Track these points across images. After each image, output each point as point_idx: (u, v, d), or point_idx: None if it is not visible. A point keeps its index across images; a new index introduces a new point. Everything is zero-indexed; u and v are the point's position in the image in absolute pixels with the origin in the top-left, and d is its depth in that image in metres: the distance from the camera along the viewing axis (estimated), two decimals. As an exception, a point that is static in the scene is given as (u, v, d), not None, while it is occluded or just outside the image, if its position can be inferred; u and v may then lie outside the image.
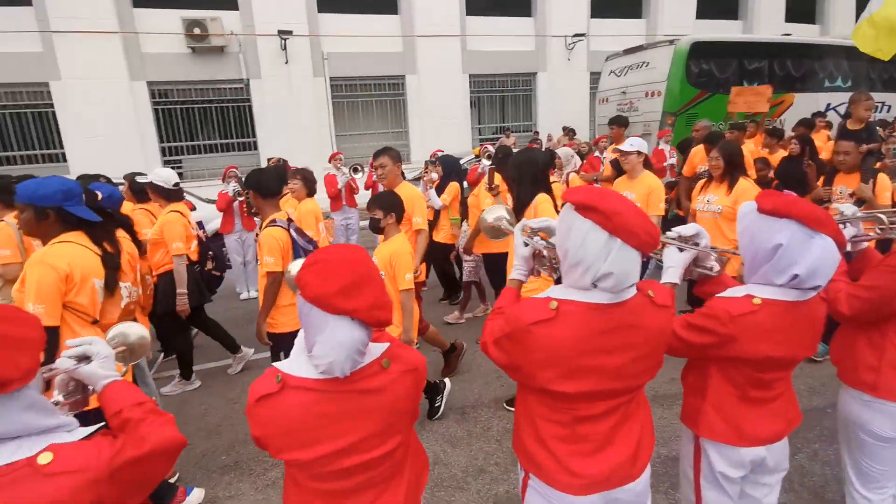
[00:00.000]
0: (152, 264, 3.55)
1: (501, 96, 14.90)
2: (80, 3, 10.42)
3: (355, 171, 6.49)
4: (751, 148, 6.09)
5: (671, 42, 9.55)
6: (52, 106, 10.82)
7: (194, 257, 3.76)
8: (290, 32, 11.63)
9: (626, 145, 3.89)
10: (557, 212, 3.27)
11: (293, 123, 12.35)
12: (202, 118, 12.29)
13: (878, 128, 5.38)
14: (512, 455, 2.64)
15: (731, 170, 3.57)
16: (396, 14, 13.12)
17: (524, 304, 1.23)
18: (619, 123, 6.35)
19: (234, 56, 11.79)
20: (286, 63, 12.12)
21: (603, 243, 1.13)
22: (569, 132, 11.42)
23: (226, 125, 12.50)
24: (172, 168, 11.87)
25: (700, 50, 9.49)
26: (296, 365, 1.12)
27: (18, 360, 0.88)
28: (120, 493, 1.00)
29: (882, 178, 3.55)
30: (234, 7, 11.66)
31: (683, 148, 6.10)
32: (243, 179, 3.11)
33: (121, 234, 2.72)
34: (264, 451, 1.13)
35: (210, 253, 3.96)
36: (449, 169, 5.33)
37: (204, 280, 3.86)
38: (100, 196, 2.72)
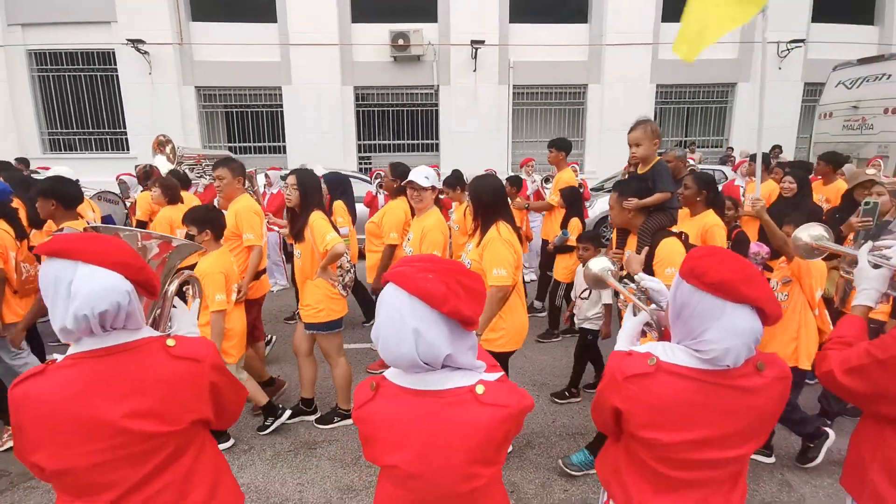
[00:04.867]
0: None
1: (689, 108, 13.88)
2: (313, 19, 12.20)
3: (546, 180, 6.57)
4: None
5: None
6: (281, 106, 12.85)
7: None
8: (482, 42, 12.22)
9: (420, 178, 3.17)
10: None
11: (474, 128, 12.97)
12: (394, 120, 13.55)
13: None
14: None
15: (482, 213, 2.79)
16: (585, 23, 13.00)
17: None
18: (559, 147, 5.17)
19: (429, 64, 12.76)
20: (474, 71, 12.76)
21: None
22: (775, 150, 10.25)
23: (413, 127, 13.60)
24: (362, 164, 13.20)
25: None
26: (669, 351, 1.20)
27: (477, 307, 1.10)
28: (511, 436, 1.17)
29: (668, 245, 2.46)
30: (434, 19, 12.62)
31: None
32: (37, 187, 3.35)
33: None
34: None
35: None
36: (334, 187, 4.74)
37: None
38: None
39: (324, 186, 5.17)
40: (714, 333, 1.10)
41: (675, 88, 13.37)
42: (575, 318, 3.91)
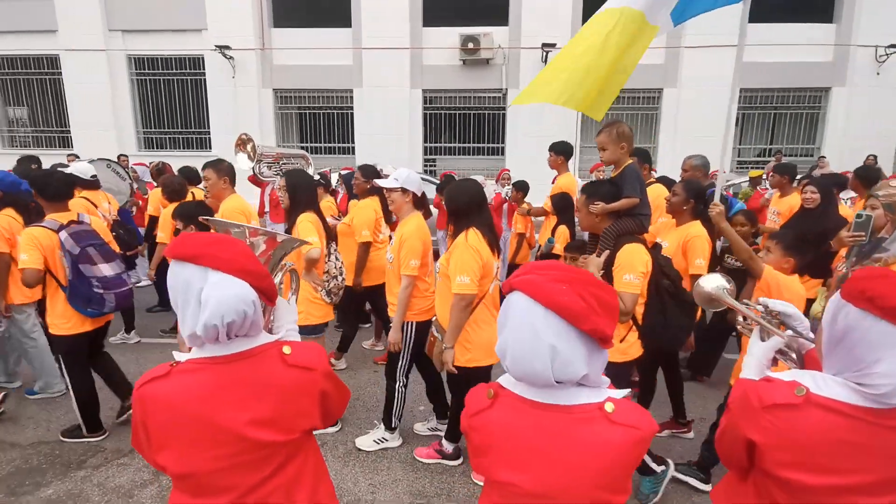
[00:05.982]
0: None
1: (776, 114, 13.00)
2: (385, 24, 12.46)
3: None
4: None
5: None
6: (351, 108, 13.22)
7: None
8: (553, 45, 12.01)
9: (389, 180, 3.03)
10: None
11: (541, 132, 12.73)
12: (461, 123, 13.59)
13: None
14: None
15: (455, 219, 2.80)
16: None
17: None
18: (557, 151, 5.09)
19: (498, 68, 12.71)
20: (544, 74, 12.55)
21: None
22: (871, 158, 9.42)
23: (480, 130, 13.59)
24: (428, 166, 13.27)
25: None
26: (820, 382, 1.07)
27: (615, 324, 1.03)
28: (638, 462, 1.08)
29: (629, 251, 2.40)
30: (505, 23, 12.56)
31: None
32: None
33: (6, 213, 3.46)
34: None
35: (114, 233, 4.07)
36: (352, 185, 4.54)
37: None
38: None
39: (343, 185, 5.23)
40: (890, 366, 0.97)
41: (760, 93, 12.57)
42: None
